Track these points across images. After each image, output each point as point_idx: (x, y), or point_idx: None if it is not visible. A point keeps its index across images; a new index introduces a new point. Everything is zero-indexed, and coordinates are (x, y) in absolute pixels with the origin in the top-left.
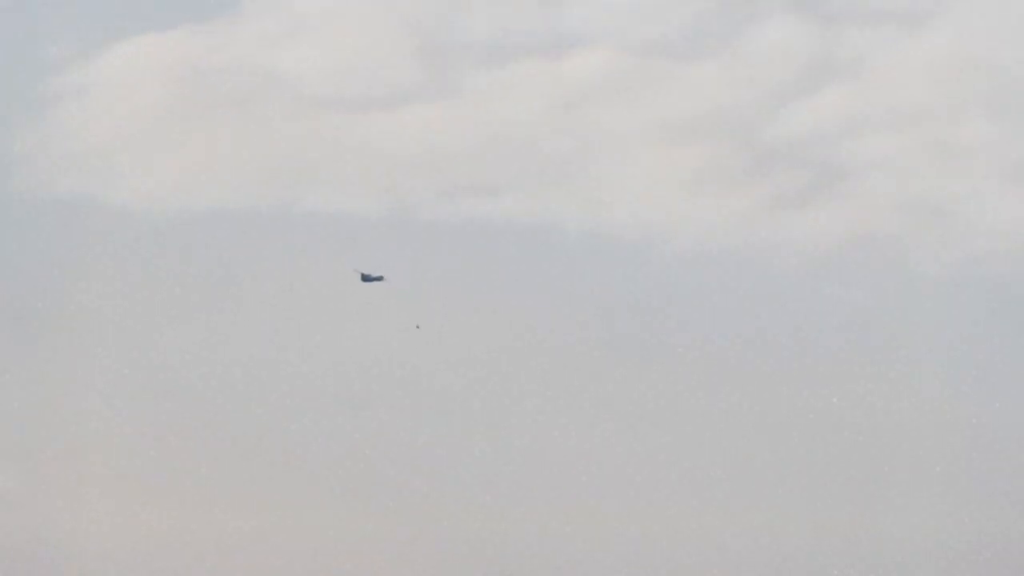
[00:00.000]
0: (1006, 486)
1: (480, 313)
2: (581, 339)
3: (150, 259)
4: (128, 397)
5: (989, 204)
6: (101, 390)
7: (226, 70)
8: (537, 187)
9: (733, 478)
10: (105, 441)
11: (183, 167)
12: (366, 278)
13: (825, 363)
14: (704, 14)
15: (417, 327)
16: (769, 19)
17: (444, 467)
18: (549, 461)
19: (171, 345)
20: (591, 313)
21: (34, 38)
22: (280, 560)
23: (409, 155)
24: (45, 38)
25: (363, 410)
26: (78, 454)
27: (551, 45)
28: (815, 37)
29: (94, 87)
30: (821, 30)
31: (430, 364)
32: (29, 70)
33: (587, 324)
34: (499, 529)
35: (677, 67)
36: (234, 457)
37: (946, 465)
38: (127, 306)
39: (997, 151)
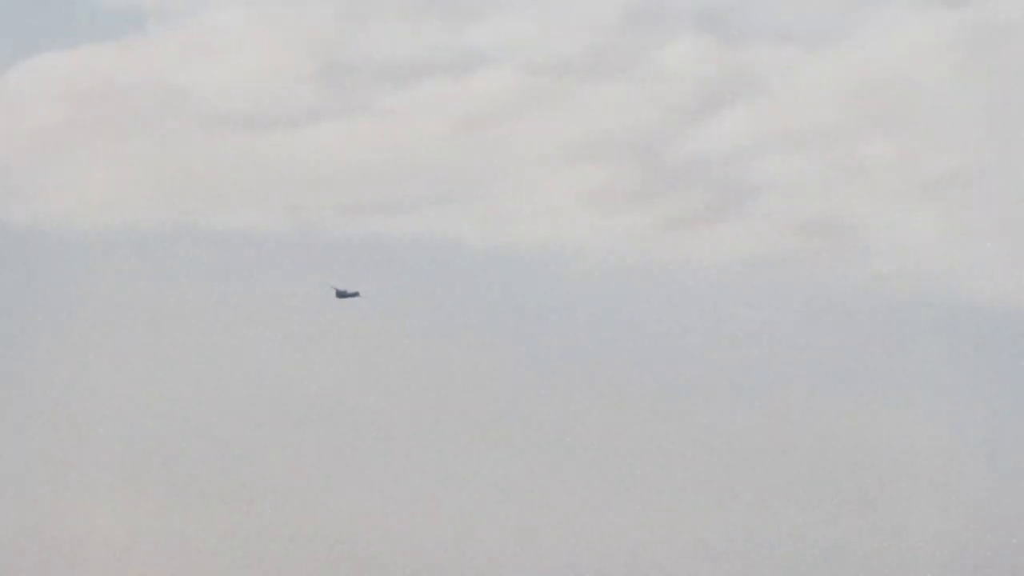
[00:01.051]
0: (898, 503)
1: (385, 328)
2: (483, 354)
3: (52, 278)
4: (27, 414)
5: (892, 223)
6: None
7: (129, 88)
8: (441, 205)
9: (632, 492)
10: None
11: (86, 186)
12: (341, 294)
13: (727, 381)
14: (609, 33)
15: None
16: (674, 39)
17: (314, 474)
18: (442, 475)
19: (76, 362)
20: (494, 328)
21: None
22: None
23: (313, 173)
24: None
25: (251, 423)
26: None
27: (455, 64)
28: (719, 57)
29: None
30: (725, 50)
31: (326, 380)
32: None
33: (490, 339)
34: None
35: (581, 86)
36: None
37: (845, 476)
38: (27, 327)
39: (900, 170)
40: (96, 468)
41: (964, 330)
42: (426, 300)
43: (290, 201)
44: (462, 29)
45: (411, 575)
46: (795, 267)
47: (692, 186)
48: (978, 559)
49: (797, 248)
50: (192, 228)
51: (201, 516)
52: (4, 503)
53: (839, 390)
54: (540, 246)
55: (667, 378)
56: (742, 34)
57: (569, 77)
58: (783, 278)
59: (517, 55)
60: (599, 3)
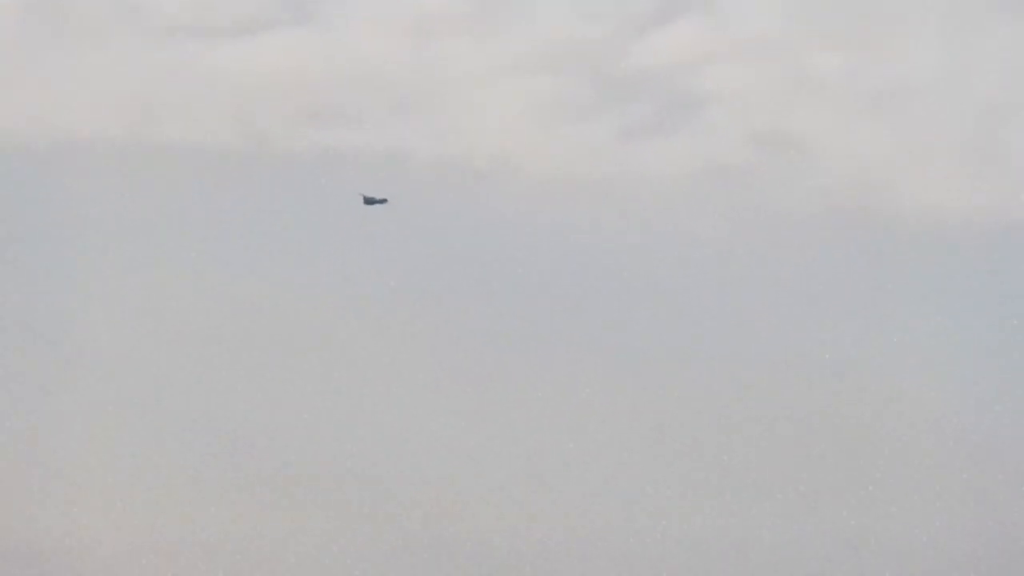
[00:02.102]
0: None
1: (335, 242)
2: (432, 267)
3: (8, 191)
4: None
5: (840, 135)
6: None
7: (82, 1)
8: (391, 117)
9: (589, 414)
10: None
11: (40, 100)
12: (369, 200)
13: (678, 290)
14: None
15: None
16: None
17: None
18: (400, 399)
19: (40, 273)
20: (445, 241)
21: None
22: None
23: (263, 84)
24: None
25: (215, 338)
26: None
27: None
28: None
29: None
30: None
31: (281, 295)
32: None
33: (440, 252)
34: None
35: (529, 0)
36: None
37: (791, 402)
38: None
39: (848, 83)
40: (71, 383)
41: (911, 240)
42: (376, 212)
43: (242, 112)
44: None
45: (406, 503)
46: (745, 178)
47: (642, 98)
48: (958, 461)
49: (747, 160)
50: (145, 141)
51: (192, 438)
52: None
53: (790, 298)
54: (491, 158)
55: (618, 287)
56: None
57: None
58: (733, 189)
59: None
60: None
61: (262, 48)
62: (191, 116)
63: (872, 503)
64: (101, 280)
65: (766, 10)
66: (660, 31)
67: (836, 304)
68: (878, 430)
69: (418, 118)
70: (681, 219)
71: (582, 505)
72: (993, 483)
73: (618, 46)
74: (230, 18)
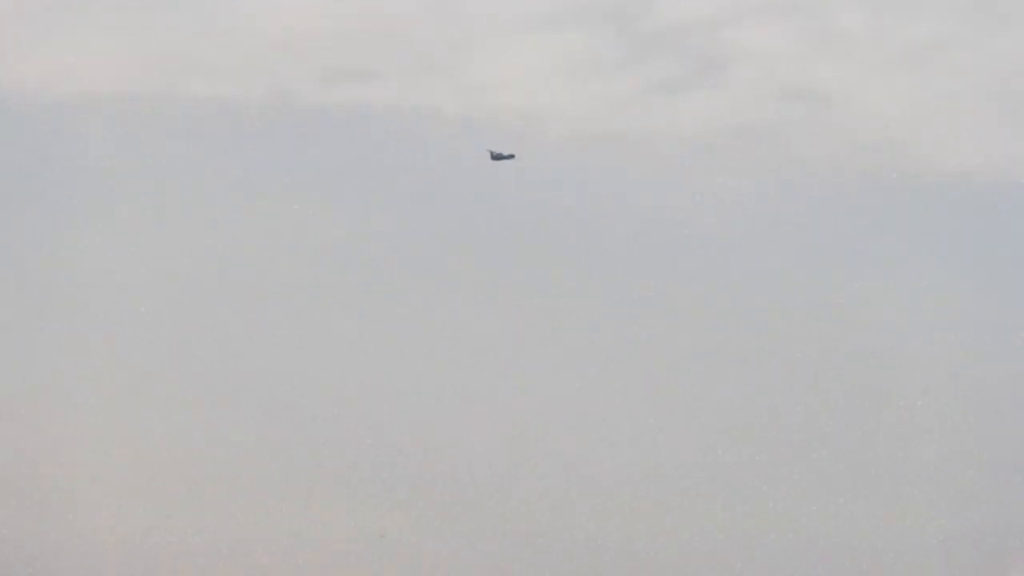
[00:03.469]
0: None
1: (362, 199)
2: (461, 223)
3: (30, 144)
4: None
5: (867, 92)
6: None
7: None
8: (415, 73)
9: (623, 370)
10: None
11: (58, 53)
12: (496, 156)
13: (706, 248)
14: None
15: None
16: None
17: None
18: (425, 352)
19: (61, 228)
20: (472, 197)
21: None
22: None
23: (288, 40)
24: None
25: (236, 291)
26: None
27: None
28: None
29: None
30: None
31: (302, 250)
32: None
33: (468, 208)
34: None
35: None
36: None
37: (821, 347)
38: (6, 193)
39: (874, 39)
40: (86, 336)
41: (939, 199)
42: (404, 169)
43: (267, 68)
44: None
45: (419, 451)
46: (771, 134)
47: (670, 53)
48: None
49: (773, 115)
50: (170, 96)
51: (200, 387)
52: None
53: (817, 256)
54: (515, 114)
55: (647, 244)
56: None
57: None
58: (759, 145)
59: None
60: None
61: (287, 3)
62: (215, 72)
63: (886, 451)
64: (125, 238)
65: None
66: None
67: (861, 258)
68: (898, 381)
69: (444, 74)
70: (708, 174)
71: (598, 454)
72: (1008, 438)
73: (646, 2)
74: None
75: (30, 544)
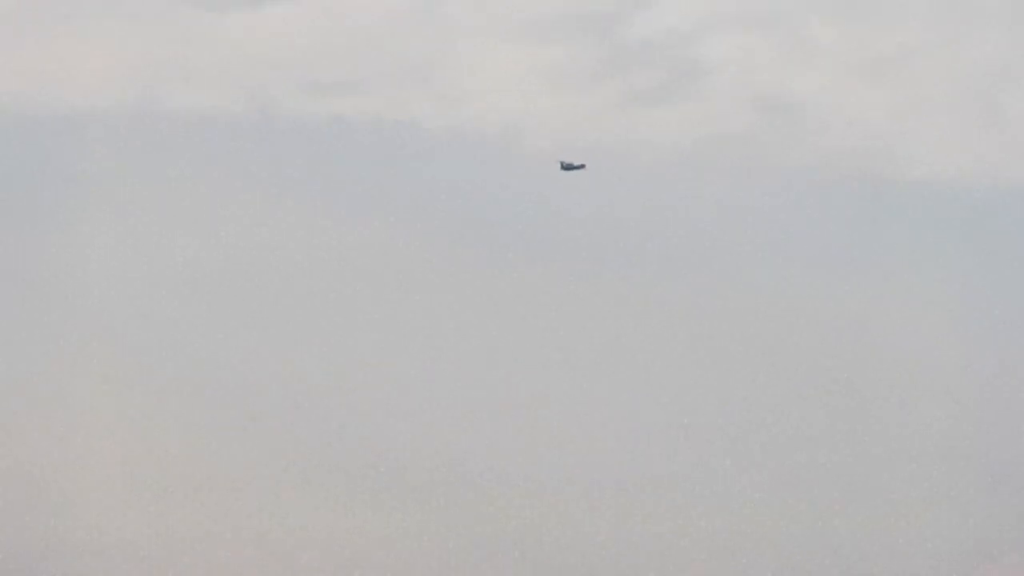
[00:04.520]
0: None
1: (345, 210)
2: (440, 234)
3: (16, 157)
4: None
5: (839, 101)
6: None
7: None
8: (396, 85)
9: (605, 370)
10: None
11: (41, 64)
12: (567, 167)
13: (686, 254)
14: None
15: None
16: None
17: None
18: (410, 358)
19: (46, 237)
20: (451, 208)
21: None
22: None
23: (270, 53)
24: None
25: (220, 295)
26: None
27: None
28: None
29: None
30: None
31: (291, 255)
32: None
33: (447, 219)
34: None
35: None
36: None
37: (793, 357)
38: None
39: (847, 49)
40: (75, 336)
41: (909, 202)
42: (384, 181)
43: (250, 81)
44: None
45: (422, 453)
46: (747, 144)
47: (645, 66)
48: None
49: (749, 125)
50: (155, 108)
51: (198, 390)
52: None
53: (792, 259)
54: (494, 125)
55: (625, 253)
56: None
57: None
58: (736, 154)
59: None
60: None
61: (269, 17)
62: (201, 85)
63: (868, 448)
64: (107, 248)
65: None
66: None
67: (837, 264)
68: (876, 381)
69: (423, 86)
70: (685, 183)
71: (591, 451)
72: (988, 432)
73: (623, 12)
74: None
75: (32, 542)
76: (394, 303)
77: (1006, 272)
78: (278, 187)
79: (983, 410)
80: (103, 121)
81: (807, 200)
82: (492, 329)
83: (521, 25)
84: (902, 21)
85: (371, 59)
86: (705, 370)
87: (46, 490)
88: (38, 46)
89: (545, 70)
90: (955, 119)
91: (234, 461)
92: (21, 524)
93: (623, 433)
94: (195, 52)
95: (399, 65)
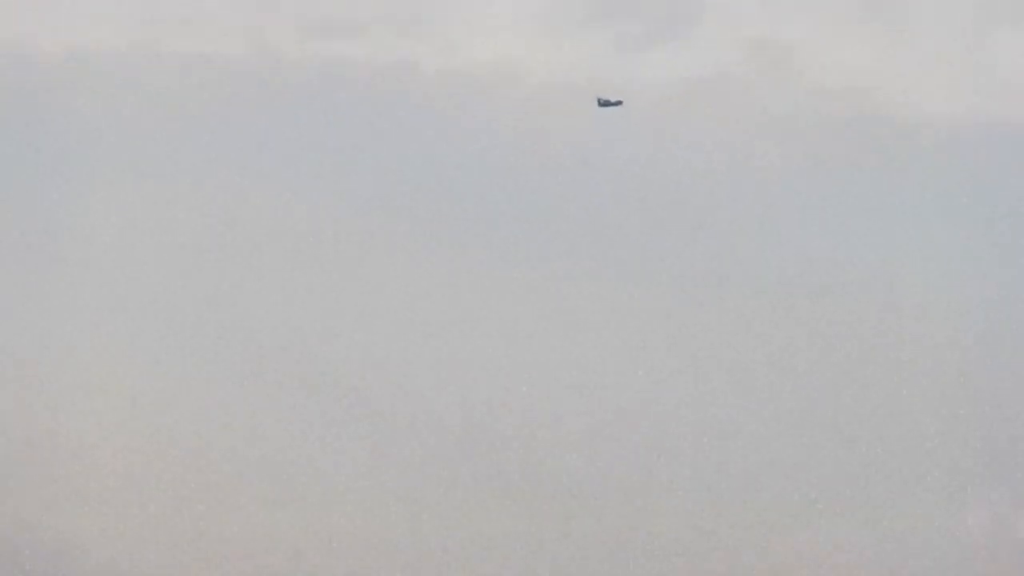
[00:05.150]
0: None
1: (342, 150)
2: (439, 178)
3: (15, 102)
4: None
5: (830, 43)
6: None
7: None
8: (394, 27)
9: (588, 318)
10: None
11: (41, 8)
12: (604, 103)
13: (679, 196)
14: None
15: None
16: None
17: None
18: (407, 303)
19: (52, 186)
20: (448, 149)
21: None
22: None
23: None
24: None
25: (226, 245)
26: None
27: None
28: None
29: None
30: None
31: (287, 203)
32: None
33: (445, 163)
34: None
35: None
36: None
37: (787, 300)
38: None
39: None
40: (72, 279)
41: (901, 142)
42: (383, 125)
43: (249, 25)
44: None
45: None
46: (739, 86)
47: (637, 9)
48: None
49: (741, 68)
50: (155, 52)
51: (199, 343)
52: None
53: (785, 200)
54: (490, 67)
55: (619, 197)
56: None
57: None
58: (728, 97)
59: None
60: None
61: None
62: (200, 28)
63: (868, 395)
64: (104, 190)
65: None
66: None
67: (830, 205)
68: (870, 321)
69: (420, 28)
70: (678, 125)
71: (591, 414)
72: (989, 380)
73: None
74: None
75: (38, 523)
76: (399, 248)
77: (994, 206)
78: (278, 130)
79: (986, 349)
80: (100, 64)
81: (797, 141)
82: (493, 271)
83: None
84: None
85: (369, 3)
86: (694, 316)
87: (49, 458)
88: None
89: (538, 13)
90: (945, 59)
91: (241, 419)
92: (23, 490)
93: (625, 375)
94: None
95: (394, 7)
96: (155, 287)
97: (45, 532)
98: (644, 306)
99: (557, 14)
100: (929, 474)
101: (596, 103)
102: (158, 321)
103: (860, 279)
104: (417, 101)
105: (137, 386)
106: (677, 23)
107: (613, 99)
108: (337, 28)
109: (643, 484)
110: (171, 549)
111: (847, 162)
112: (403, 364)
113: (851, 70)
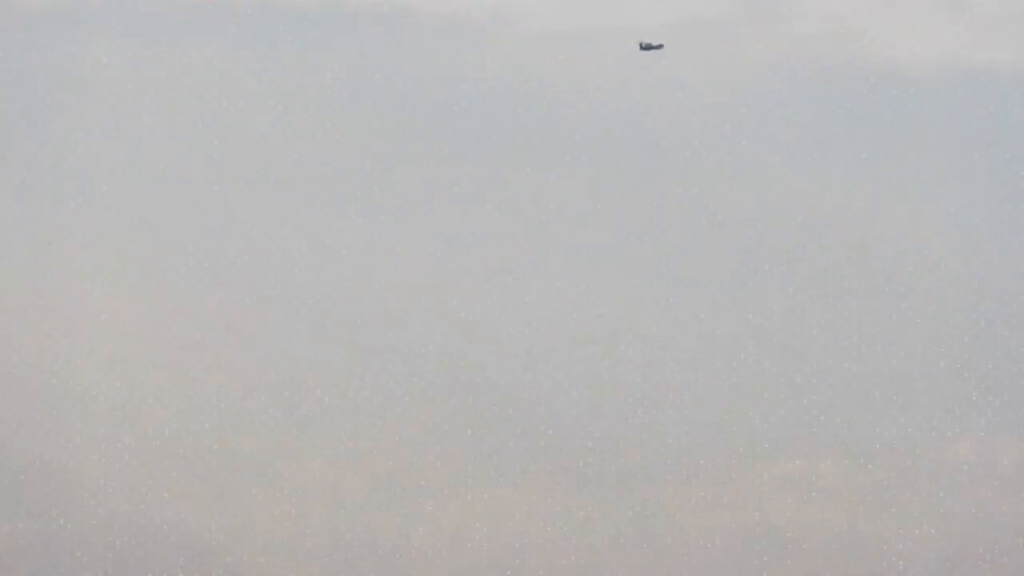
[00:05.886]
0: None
1: (340, 95)
2: (438, 122)
3: (10, 51)
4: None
5: None
6: None
7: None
8: None
9: (582, 262)
10: None
11: None
12: (646, 47)
13: (669, 137)
14: None
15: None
16: None
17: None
18: (406, 243)
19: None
20: (444, 94)
21: None
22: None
23: None
24: None
25: (235, 181)
26: None
27: None
28: None
29: None
30: None
31: (286, 143)
32: None
33: (444, 106)
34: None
35: None
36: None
37: (777, 243)
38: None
39: None
40: (75, 223)
41: (883, 86)
42: (383, 69)
43: None
44: None
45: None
46: (725, 31)
47: None
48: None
49: (727, 13)
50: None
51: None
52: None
53: (773, 143)
54: (484, 10)
55: (614, 138)
56: None
57: None
58: (715, 41)
59: None
60: None
61: None
62: None
63: (854, 326)
64: (106, 135)
65: None
66: None
67: (817, 147)
68: (856, 255)
69: None
70: (666, 68)
71: (588, 356)
72: (973, 310)
73: None
74: None
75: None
76: (385, 191)
77: (975, 147)
78: (280, 75)
79: (970, 278)
80: (100, 11)
81: (783, 85)
82: (477, 211)
83: None
84: None
85: None
86: (684, 259)
87: (46, 394)
88: None
89: None
90: (924, 6)
91: (238, 358)
92: (23, 431)
93: (617, 311)
94: None
95: None
96: (157, 233)
97: (43, 460)
98: (635, 245)
99: None
100: (915, 403)
101: (638, 47)
102: (158, 252)
103: (845, 216)
104: (415, 46)
105: (136, 318)
106: None
107: (655, 43)
108: None
109: (633, 419)
110: (170, 475)
111: (831, 101)
112: (402, 312)
113: (834, 15)
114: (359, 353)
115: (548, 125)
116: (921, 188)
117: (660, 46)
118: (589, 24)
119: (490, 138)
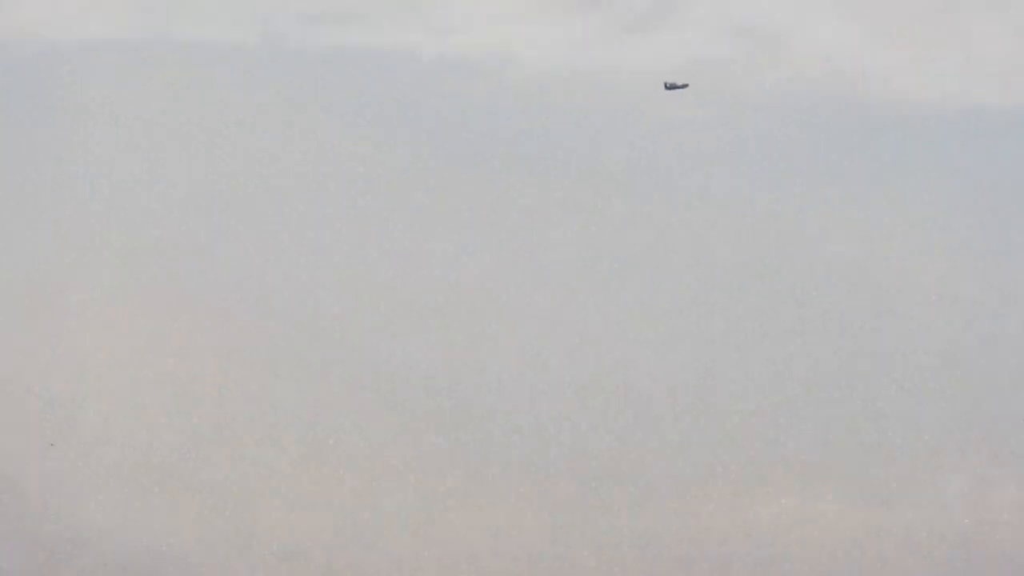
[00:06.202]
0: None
1: (344, 135)
2: (437, 161)
3: (18, 90)
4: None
5: (816, 28)
6: None
7: None
8: (394, 14)
9: (583, 295)
10: None
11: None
12: (671, 86)
13: (668, 175)
14: None
15: None
16: None
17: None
18: (405, 283)
19: (61, 170)
20: (444, 135)
21: None
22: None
23: None
24: None
25: (236, 221)
26: None
27: None
28: None
29: None
30: None
31: (294, 182)
32: None
33: (444, 147)
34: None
35: None
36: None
37: (772, 278)
38: (6, 139)
39: None
40: (79, 250)
41: (881, 125)
42: (383, 110)
43: (256, 13)
44: None
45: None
46: (726, 71)
47: None
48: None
49: (727, 53)
50: (164, 40)
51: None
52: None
53: (772, 180)
54: (486, 52)
55: (612, 176)
56: None
57: None
58: (715, 81)
59: None
60: None
61: None
62: (206, 16)
63: (849, 362)
64: (113, 175)
65: None
66: None
67: (815, 184)
68: (854, 293)
69: (419, 14)
70: (666, 108)
71: (587, 367)
72: (969, 346)
73: None
74: None
75: (32, 453)
76: (388, 226)
77: (970, 184)
78: (283, 115)
79: (969, 317)
80: (109, 52)
81: (783, 124)
82: (482, 251)
83: None
84: None
85: None
86: (680, 294)
87: (49, 401)
88: None
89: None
90: (927, 43)
91: (240, 372)
92: (24, 433)
93: (615, 340)
94: None
95: None
96: (163, 269)
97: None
98: (639, 279)
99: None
100: (909, 440)
101: (663, 87)
102: (156, 276)
103: (844, 257)
104: (416, 86)
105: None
106: (665, 8)
107: (680, 83)
108: (337, 15)
109: (627, 447)
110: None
111: (829, 139)
112: (403, 334)
113: (832, 54)
114: (360, 370)
115: (546, 163)
116: (931, 231)
117: (685, 85)
118: (594, 65)
119: (495, 176)
